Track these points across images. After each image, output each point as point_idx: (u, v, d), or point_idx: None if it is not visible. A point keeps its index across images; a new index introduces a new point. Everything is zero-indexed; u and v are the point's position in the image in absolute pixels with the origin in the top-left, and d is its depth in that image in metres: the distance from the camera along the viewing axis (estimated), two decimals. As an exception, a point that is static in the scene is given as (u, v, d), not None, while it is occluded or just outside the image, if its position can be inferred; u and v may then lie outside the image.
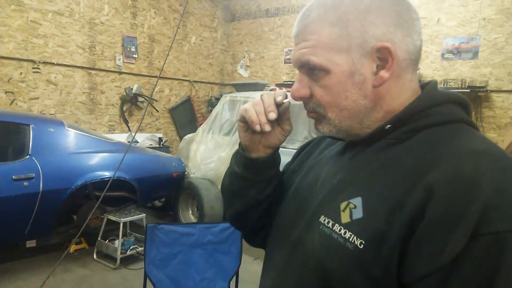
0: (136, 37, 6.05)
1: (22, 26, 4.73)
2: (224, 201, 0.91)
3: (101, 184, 3.46)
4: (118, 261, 3.46)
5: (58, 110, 5.20)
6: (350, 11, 0.62)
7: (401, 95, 0.65)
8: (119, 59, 5.83)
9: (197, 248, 2.17)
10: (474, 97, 5.00)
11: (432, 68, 5.43)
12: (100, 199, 2.52)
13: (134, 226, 4.08)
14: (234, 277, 2.15)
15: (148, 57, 6.28)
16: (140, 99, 6.12)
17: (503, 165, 0.54)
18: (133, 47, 6.01)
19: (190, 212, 4.57)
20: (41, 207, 3.12)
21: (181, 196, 4.49)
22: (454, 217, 0.50)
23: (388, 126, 0.64)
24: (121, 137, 5.49)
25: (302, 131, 3.84)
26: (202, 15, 7.23)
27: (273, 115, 0.72)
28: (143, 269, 2.06)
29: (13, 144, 3.23)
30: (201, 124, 5.25)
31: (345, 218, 0.61)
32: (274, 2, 7.10)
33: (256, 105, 0.73)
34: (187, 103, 7.07)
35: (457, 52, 5.24)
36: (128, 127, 6.05)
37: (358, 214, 0.60)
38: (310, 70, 0.66)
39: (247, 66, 7.58)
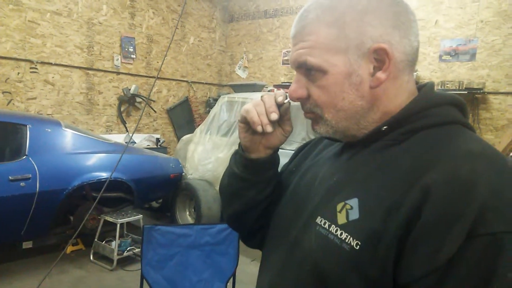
0: (134, 38, 6.04)
1: (20, 25, 4.72)
2: (222, 202, 0.91)
3: (98, 184, 3.45)
4: (115, 262, 3.45)
5: (55, 110, 5.18)
6: (347, 12, 0.63)
7: (398, 96, 0.65)
8: (117, 60, 5.82)
9: (194, 249, 2.17)
10: (472, 99, 5.01)
11: (430, 70, 5.44)
12: (97, 200, 2.52)
13: (131, 227, 4.06)
14: (231, 278, 2.15)
15: (146, 58, 6.28)
16: (138, 99, 6.11)
17: (500, 167, 0.54)
18: (131, 47, 6.00)
19: (188, 213, 4.56)
20: (37, 207, 3.11)
21: (178, 197, 4.48)
22: (451, 217, 0.50)
23: (385, 127, 0.64)
24: (119, 138, 5.48)
25: (300, 132, 3.84)
26: (201, 16, 7.23)
27: (274, 116, 0.72)
28: (140, 270, 2.05)
29: (10, 144, 3.21)
30: (199, 125, 5.25)
31: (341, 219, 0.61)
32: (273, 3, 7.11)
33: (257, 105, 0.73)
34: (185, 103, 7.07)
35: (454, 54, 5.25)
36: (126, 127, 6.04)
37: (355, 215, 0.60)
38: (308, 71, 0.66)
39: (245, 67, 7.59)
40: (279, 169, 0.86)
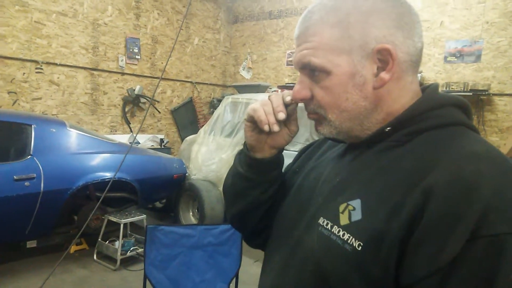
0: (139, 38, 6.06)
1: (26, 26, 4.75)
2: (225, 202, 0.91)
3: (102, 184, 3.47)
4: (118, 262, 3.46)
5: (60, 111, 5.21)
6: (351, 13, 0.63)
7: (401, 97, 0.65)
8: (122, 60, 5.84)
9: (197, 249, 2.17)
10: (477, 101, 4.98)
11: (435, 71, 5.42)
12: (100, 200, 2.53)
13: (135, 227, 4.08)
14: (234, 279, 2.15)
15: (150, 58, 6.30)
16: (142, 100, 6.13)
17: (503, 168, 0.54)
18: (136, 48, 6.03)
19: (191, 213, 4.56)
20: (42, 207, 3.13)
21: (182, 197, 4.49)
22: (453, 218, 0.50)
23: (388, 128, 0.64)
24: (123, 138, 5.50)
25: (303, 133, 3.83)
26: (205, 17, 7.25)
27: (282, 115, 0.72)
28: (143, 270, 2.06)
29: (14, 144, 3.23)
30: (203, 125, 5.26)
31: (344, 220, 0.61)
32: (277, 4, 7.11)
33: (265, 105, 0.73)
34: (189, 104, 7.08)
35: (459, 55, 5.23)
36: (130, 128, 6.06)
37: (357, 216, 0.60)
38: (311, 72, 0.66)
39: (250, 68, 7.59)
40: (282, 170, 0.86)
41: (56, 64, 5.08)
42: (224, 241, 2.18)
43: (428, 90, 0.67)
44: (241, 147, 0.83)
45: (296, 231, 0.71)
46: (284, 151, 0.83)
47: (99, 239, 3.65)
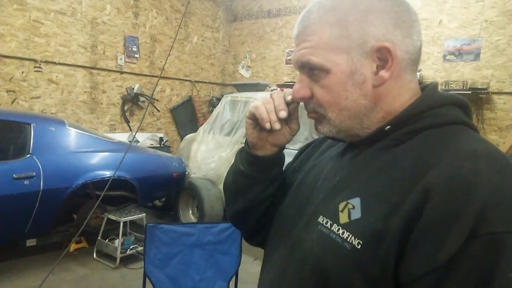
0: (138, 37, 6.06)
1: (24, 25, 4.74)
2: (226, 199, 0.91)
3: (101, 183, 3.47)
4: (118, 261, 3.46)
5: (59, 109, 5.20)
6: (350, 12, 0.63)
7: (401, 96, 0.65)
8: (121, 59, 5.84)
9: (196, 248, 2.17)
10: (476, 99, 4.99)
11: (434, 70, 5.43)
12: (100, 198, 2.53)
13: (134, 225, 4.08)
14: (234, 277, 2.15)
15: (149, 57, 6.29)
16: (141, 98, 6.13)
17: (502, 167, 0.54)
18: (135, 46, 6.02)
19: (190, 212, 4.57)
20: (41, 206, 3.13)
21: (181, 196, 4.49)
22: (452, 217, 0.50)
23: (388, 127, 0.64)
24: (122, 137, 5.50)
25: (303, 132, 3.83)
26: (204, 15, 7.24)
27: (283, 114, 0.72)
28: (143, 268, 2.06)
29: (14, 143, 3.23)
30: (202, 124, 5.26)
31: (343, 218, 0.62)
32: (276, 3, 7.11)
33: (267, 102, 0.74)
34: (188, 103, 7.08)
35: (458, 53, 5.23)
36: (129, 126, 6.05)
37: (357, 214, 0.60)
38: (311, 71, 0.66)
39: (249, 66, 7.59)
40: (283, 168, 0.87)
41: (54, 63, 5.07)
42: (224, 239, 2.18)
43: (427, 89, 0.67)
44: (240, 145, 0.84)
45: (295, 230, 0.71)
46: (284, 149, 0.83)
47: (99, 238, 3.65)
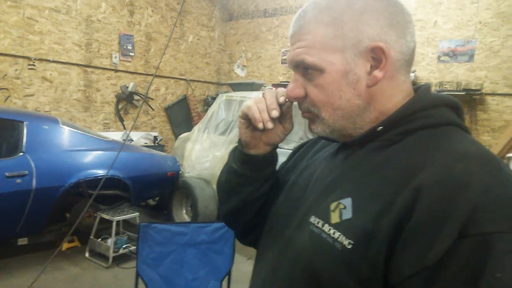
0: (133, 35, 6.03)
1: (18, 22, 4.70)
2: (219, 198, 0.91)
3: (95, 182, 3.44)
4: (111, 260, 3.45)
5: (53, 107, 5.17)
6: (344, 11, 0.63)
7: (394, 96, 0.66)
8: (116, 57, 5.81)
9: (190, 247, 2.16)
10: (469, 100, 5.03)
11: (428, 71, 5.45)
12: (92, 197, 2.52)
13: (128, 224, 4.06)
14: (227, 277, 2.15)
15: (144, 55, 6.27)
16: (136, 97, 6.10)
17: (492, 168, 0.54)
18: (130, 45, 5.99)
19: (184, 211, 4.56)
20: (34, 204, 3.10)
21: (175, 195, 4.48)
22: (442, 217, 0.50)
23: (380, 128, 0.65)
24: (116, 135, 5.47)
25: (298, 132, 3.84)
26: (200, 14, 7.22)
27: (275, 113, 0.72)
28: (135, 268, 2.05)
29: (6, 140, 3.20)
30: (197, 123, 5.24)
31: (334, 218, 0.62)
32: (272, 3, 7.11)
33: (259, 102, 0.74)
34: (183, 102, 7.06)
35: (453, 55, 5.27)
36: (123, 125, 6.03)
37: (348, 214, 0.60)
38: (305, 70, 0.67)
39: (244, 65, 7.58)
40: (276, 168, 0.87)
41: (49, 61, 5.03)
42: (217, 239, 2.18)
43: (420, 90, 0.68)
44: (235, 145, 0.83)
45: (287, 229, 0.72)
46: (278, 149, 0.83)
47: (91, 237, 3.63)
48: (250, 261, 3.56)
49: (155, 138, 6.19)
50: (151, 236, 2.10)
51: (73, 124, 3.89)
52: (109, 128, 5.87)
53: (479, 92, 4.95)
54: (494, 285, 0.47)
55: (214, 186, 4.21)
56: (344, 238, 0.58)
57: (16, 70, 4.75)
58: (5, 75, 4.66)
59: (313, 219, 0.65)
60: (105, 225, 3.73)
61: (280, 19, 7.04)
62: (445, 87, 5.12)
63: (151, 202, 4.90)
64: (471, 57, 5.13)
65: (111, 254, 3.45)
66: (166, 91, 6.77)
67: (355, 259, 0.56)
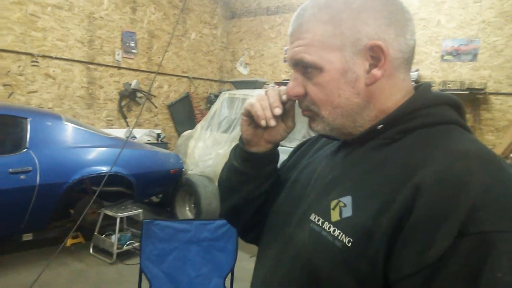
0: (135, 32, 6.03)
1: (21, 19, 4.71)
2: (220, 196, 0.92)
3: (98, 178, 3.46)
4: (114, 256, 3.47)
5: (56, 104, 5.18)
6: (343, 10, 0.63)
7: (393, 94, 0.66)
8: (118, 54, 5.81)
9: (193, 244, 2.18)
10: (473, 99, 5.01)
11: (431, 70, 5.44)
12: (96, 194, 2.53)
13: (131, 221, 4.08)
14: (230, 274, 2.16)
15: (147, 53, 6.27)
16: (139, 94, 6.11)
17: (492, 166, 0.54)
18: (133, 42, 6.00)
19: (187, 208, 4.57)
20: (38, 200, 3.12)
21: (178, 192, 4.49)
22: (441, 216, 0.50)
23: (380, 126, 0.65)
24: (119, 132, 5.48)
25: (300, 130, 3.84)
26: (202, 12, 7.21)
27: (278, 111, 0.73)
28: (139, 264, 2.07)
29: (10, 137, 3.22)
30: (200, 120, 5.25)
31: (334, 216, 0.62)
32: (275, 0, 7.09)
33: (262, 100, 0.74)
34: (186, 99, 7.06)
35: (456, 54, 5.25)
36: (126, 122, 6.04)
37: (348, 212, 0.61)
38: (304, 68, 0.67)
39: (247, 63, 7.58)
40: (278, 166, 0.87)
41: (52, 57, 5.04)
42: (220, 236, 2.19)
43: (420, 88, 0.68)
44: (237, 142, 0.84)
45: (288, 227, 0.72)
46: (280, 147, 0.83)
47: (95, 233, 3.65)
48: (253, 258, 3.56)
49: (158, 135, 6.20)
50: (154, 233, 2.12)
51: (76, 121, 3.91)
52: (112, 125, 5.88)
53: (482, 92, 4.93)
54: (494, 284, 0.47)
55: (217, 184, 4.22)
56: (344, 236, 0.59)
57: (19, 66, 4.77)
58: (9, 71, 4.67)
59: (313, 217, 0.66)
60: (109, 221, 3.75)
61: (282, 17, 7.02)
62: (448, 86, 5.10)
63: (154, 199, 4.92)
64: (474, 56, 5.11)
65: (115, 251, 3.47)
66: (169, 88, 6.78)
67: (354, 257, 0.57)
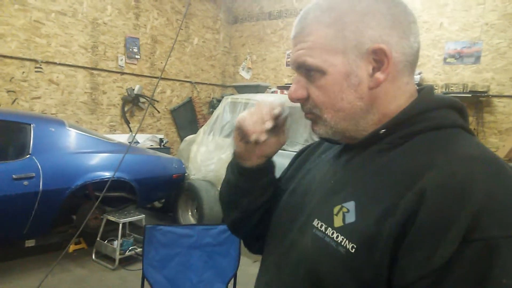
0: (138, 38, 6.06)
1: (25, 25, 4.75)
2: (222, 210, 0.92)
3: (101, 184, 3.46)
4: (117, 262, 3.46)
5: (59, 110, 5.21)
6: (346, 13, 0.63)
7: (397, 98, 0.65)
8: (121, 60, 5.84)
9: (195, 249, 2.17)
10: (476, 102, 4.99)
11: (434, 72, 5.43)
12: (99, 199, 2.53)
13: (134, 226, 4.08)
14: (232, 280, 2.15)
15: (150, 58, 6.30)
16: (142, 99, 6.13)
17: (497, 171, 0.53)
18: (136, 47, 6.03)
19: (190, 213, 4.56)
20: (40, 206, 3.12)
21: (181, 197, 4.49)
22: (446, 222, 0.49)
23: (383, 130, 0.64)
24: (122, 138, 5.50)
25: (302, 134, 3.84)
26: (205, 17, 7.25)
27: (269, 125, 0.72)
28: (142, 270, 2.06)
29: (13, 143, 3.23)
30: (202, 125, 5.26)
31: (338, 222, 0.61)
32: (277, 5, 7.12)
33: (253, 114, 0.73)
34: (189, 104, 7.08)
35: (459, 56, 5.24)
36: (129, 127, 6.06)
37: (351, 218, 0.60)
38: (307, 71, 0.66)
39: (249, 68, 7.59)
40: (278, 172, 0.87)
41: (55, 63, 5.08)
42: (223, 241, 2.18)
43: (423, 91, 0.67)
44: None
45: (291, 233, 0.71)
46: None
47: (98, 239, 3.65)
48: (256, 263, 3.55)
49: (161, 140, 6.21)
50: (156, 238, 2.11)
51: (79, 127, 3.92)
52: (115, 131, 5.90)
53: (485, 94, 4.91)
54: None
55: (219, 188, 4.21)
56: (347, 242, 0.58)
57: (23, 72, 4.80)
58: (12, 77, 4.70)
59: (316, 223, 0.65)
60: (112, 227, 3.74)
61: (285, 21, 7.04)
62: (451, 89, 5.09)
63: (156, 204, 4.91)
64: (477, 59, 5.10)
65: (117, 256, 3.46)
66: (172, 93, 6.80)
67: (358, 263, 0.56)
